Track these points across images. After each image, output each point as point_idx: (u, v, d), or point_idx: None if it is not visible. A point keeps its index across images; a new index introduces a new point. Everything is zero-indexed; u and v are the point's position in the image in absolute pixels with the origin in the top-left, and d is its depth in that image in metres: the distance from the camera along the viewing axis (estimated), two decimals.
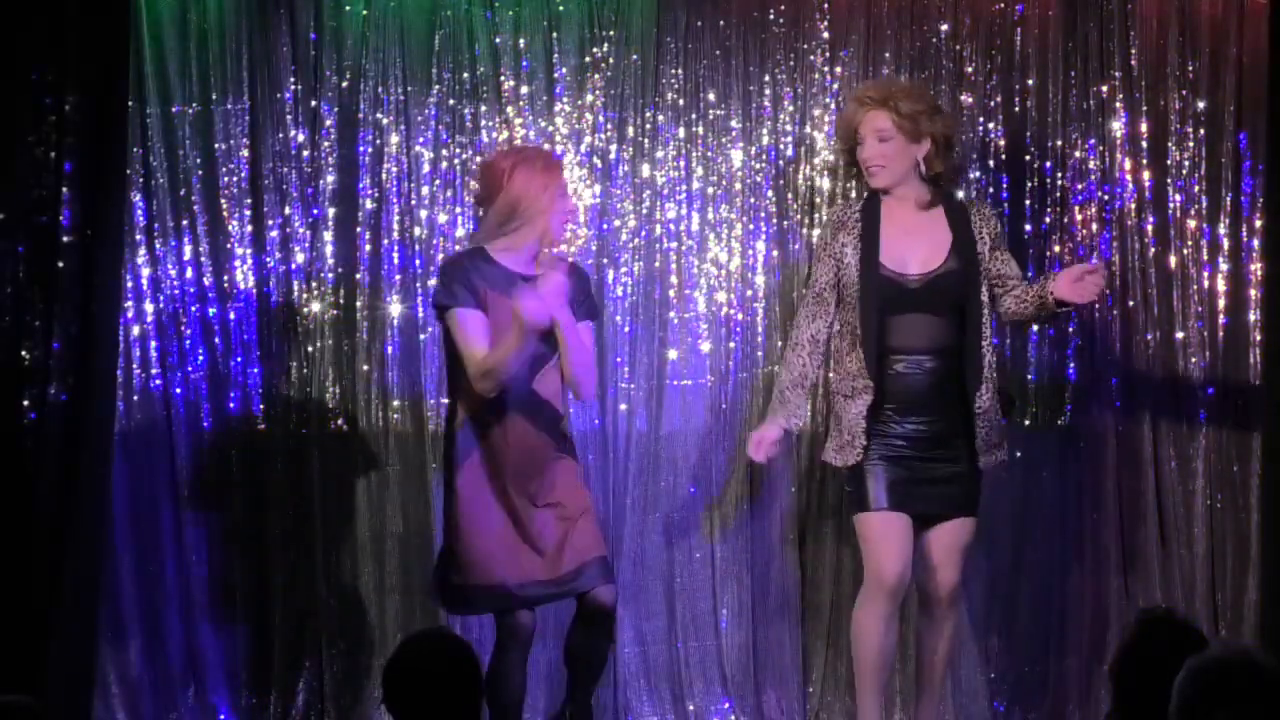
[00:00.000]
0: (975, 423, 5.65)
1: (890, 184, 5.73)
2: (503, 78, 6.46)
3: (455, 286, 5.49)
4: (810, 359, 5.79)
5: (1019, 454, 6.47)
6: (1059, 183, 6.53)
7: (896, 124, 5.67)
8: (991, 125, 6.52)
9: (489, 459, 5.51)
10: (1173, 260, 6.52)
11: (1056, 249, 6.53)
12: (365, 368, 6.42)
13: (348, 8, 6.42)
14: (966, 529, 5.73)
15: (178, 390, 6.38)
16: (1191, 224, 6.52)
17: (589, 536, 5.56)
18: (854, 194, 6.38)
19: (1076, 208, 6.53)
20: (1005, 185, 6.52)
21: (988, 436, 5.68)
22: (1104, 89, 6.52)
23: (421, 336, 6.41)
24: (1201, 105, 6.50)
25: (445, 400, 5.84)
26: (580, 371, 5.52)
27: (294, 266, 6.42)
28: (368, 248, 6.44)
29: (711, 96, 6.52)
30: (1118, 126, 6.52)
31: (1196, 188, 6.51)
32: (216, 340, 6.40)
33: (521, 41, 6.46)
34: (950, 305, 5.65)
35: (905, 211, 5.73)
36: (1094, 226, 6.53)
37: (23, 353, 5.68)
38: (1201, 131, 6.51)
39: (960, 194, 6.12)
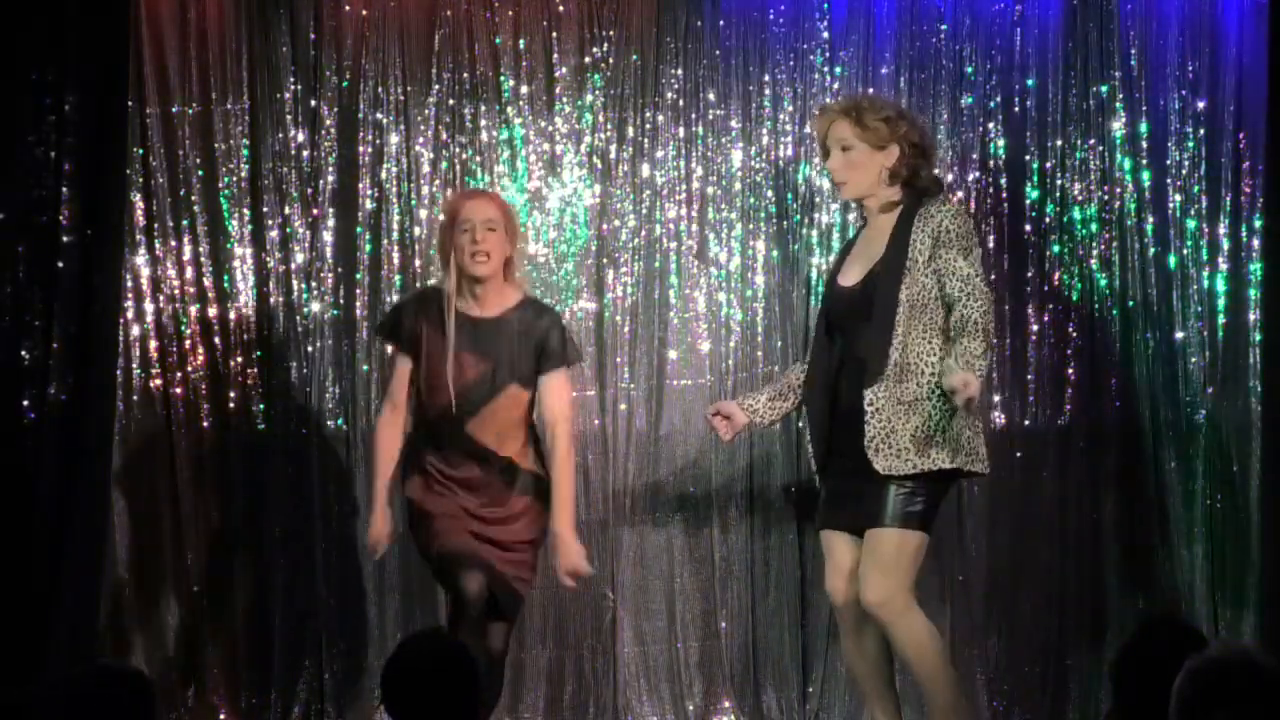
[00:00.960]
0: (864, 424, 5.31)
1: (858, 195, 5.51)
2: (503, 78, 6.47)
3: (399, 324, 5.64)
4: (796, 364, 5.78)
5: (1019, 454, 6.48)
6: (1059, 183, 6.53)
7: (858, 134, 5.45)
8: (991, 125, 6.52)
9: (433, 473, 5.57)
10: (1173, 260, 6.52)
11: (1056, 249, 6.53)
12: (365, 368, 6.42)
13: (348, 8, 6.42)
14: (881, 542, 5.35)
15: (178, 390, 6.38)
16: (1191, 224, 6.52)
17: (510, 570, 5.59)
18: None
19: (1076, 208, 6.53)
20: (1005, 185, 6.52)
21: (887, 439, 5.31)
22: (1104, 89, 6.52)
23: None
24: (1201, 105, 6.50)
25: None
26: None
27: (294, 266, 6.42)
28: (368, 248, 6.44)
29: (711, 96, 6.52)
30: (1118, 126, 6.52)
31: (1196, 188, 6.51)
32: (216, 340, 6.40)
33: (521, 41, 6.46)
34: (872, 307, 5.40)
35: (873, 222, 5.57)
36: (1094, 226, 6.53)
37: (23, 353, 5.68)
38: (1201, 131, 6.51)
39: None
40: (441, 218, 5.72)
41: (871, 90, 6.36)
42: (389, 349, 5.81)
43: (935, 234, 5.36)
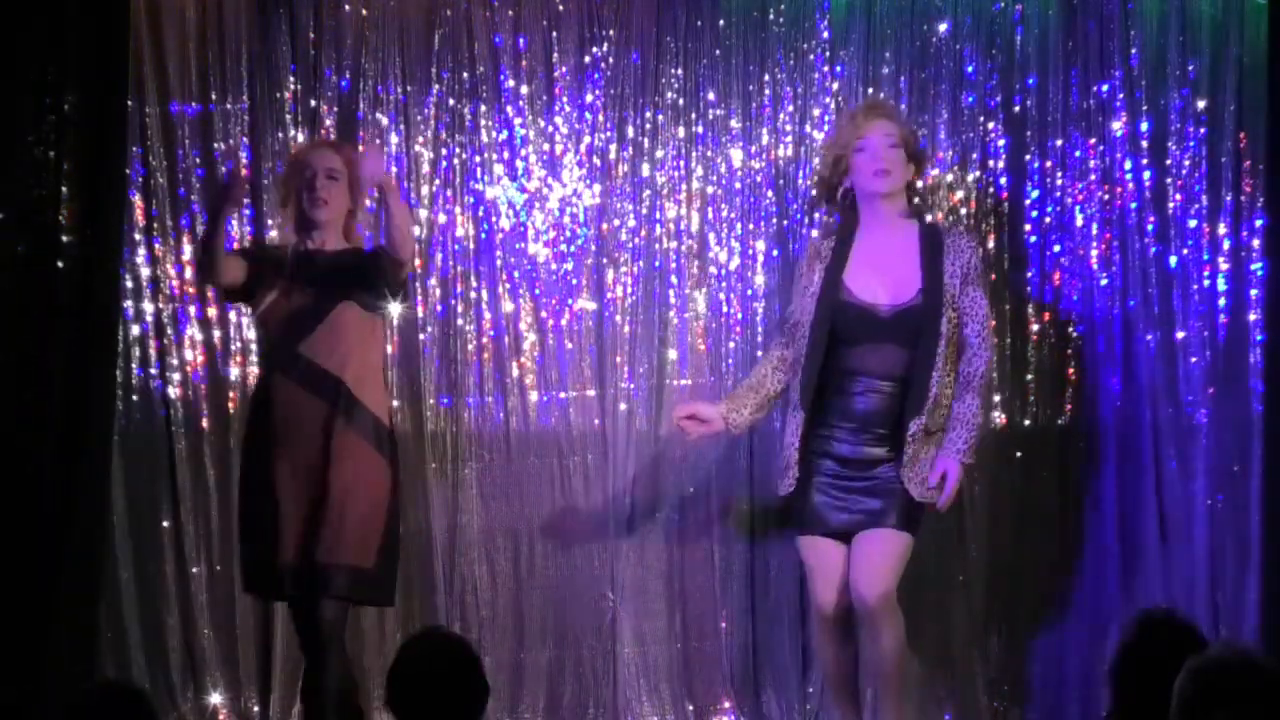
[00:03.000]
0: (904, 450, 5.49)
1: (891, 191, 5.61)
2: (503, 77, 6.47)
3: (256, 251, 5.77)
4: (773, 373, 5.74)
5: (1019, 454, 6.47)
6: (1059, 183, 6.52)
7: (902, 137, 5.65)
8: (991, 125, 6.52)
9: (263, 427, 5.54)
10: (1173, 260, 6.52)
11: (1056, 249, 6.52)
12: None
13: (347, 7, 6.42)
14: (884, 541, 5.51)
15: (177, 390, 6.38)
16: (1191, 224, 6.52)
17: (345, 537, 5.46)
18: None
19: (1076, 208, 6.53)
20: (1005, 185, 6.52)
21: (914, 467, 5.49)
22: (1104, 89, 6.51)
23: (421, 336, 6.41)
24: (1201, 105, 6.50)
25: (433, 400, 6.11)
26: (398, 233, 5.55)
27: None
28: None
29: (711, 96, 6.52)
30: (1118, 126, 6.51)
31: (1196, 188, 6.51)
32: (216, 340, 6.40)
33: (521, 41, 6.46)
34: (914, 337, 5.53)
35: (882, 235, 5.61)
36: (1094, 226, 6.53)
37: (23, 353, 5.68)
38: (1202, 131, 6.50)
39: (932, 218, 6.12)
40: (288, 162, 5.81)
41: (873, 92, 6.42)
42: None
43: (965, 270, 5.59)
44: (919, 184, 5.83)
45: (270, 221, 6.38)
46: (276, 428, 5.51)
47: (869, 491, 5.53)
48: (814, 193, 6.11)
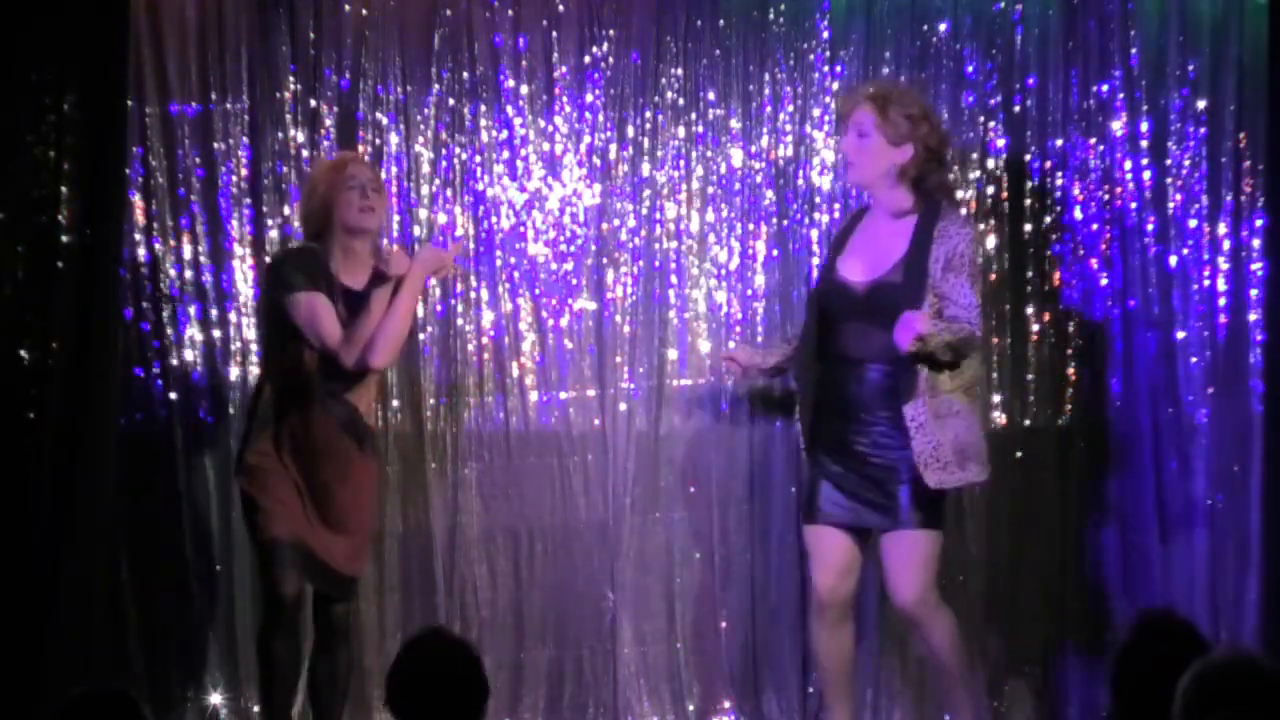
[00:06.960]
0: (911, 438, 5.41)
1: (860, 182, 5.67)
2: (503, 77, 6.47)
3: (301, 272, 5.58)
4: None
5: (1019, 454, 6.48)
6: (1059, 183, 6.53)
7: (878, 124, 5.53)
8: (991, 125, 6.52)
9: (285, 440, 5.60)
10: (1173, 260, 6.52)
11: (1056, 249, 6.53)
12: None
13: (348, 8, 6.42)
14: (912, 542, 5.48)
15: (178, 390, 6.38)
16: (1191, 224, 6.52)
17: (350, 552, 5.68)
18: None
19: (1076, 208, 6.53)
20: (1005, 185, 6.52)
21: (935, 453, 5.42)
22: (1104, 89, 6.52)
23: (421, 336, 6.41)
24: (1201, 105, 6.50)
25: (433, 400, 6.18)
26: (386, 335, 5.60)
27: None
28: None
29: (711, 96, 6.53)
30: (1118, 126, 6.52)
31: (1196, 188, 6.51)
32: (216, 340, 6.40)
33: (521, 41, 6.46)
34: (891, 318, 5.38)
35: (880, 218, 5.62)
36: (1094, 226, 6.53)
37: (22, 353, 5.68)
38: (1202, 131, 6.50)
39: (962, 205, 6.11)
40: (319, 177, 5.71)
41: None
42: (302, 297, 5.59)
43: (950, 257, 5.46)
44: (939, 164, 5.62)
45: (269, 222, 6.38)
46: (307, 453, 5.60)
47: (879, 488, 5.50)
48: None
